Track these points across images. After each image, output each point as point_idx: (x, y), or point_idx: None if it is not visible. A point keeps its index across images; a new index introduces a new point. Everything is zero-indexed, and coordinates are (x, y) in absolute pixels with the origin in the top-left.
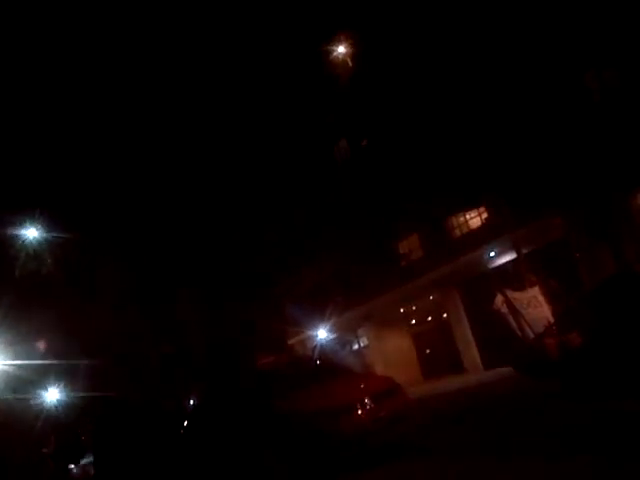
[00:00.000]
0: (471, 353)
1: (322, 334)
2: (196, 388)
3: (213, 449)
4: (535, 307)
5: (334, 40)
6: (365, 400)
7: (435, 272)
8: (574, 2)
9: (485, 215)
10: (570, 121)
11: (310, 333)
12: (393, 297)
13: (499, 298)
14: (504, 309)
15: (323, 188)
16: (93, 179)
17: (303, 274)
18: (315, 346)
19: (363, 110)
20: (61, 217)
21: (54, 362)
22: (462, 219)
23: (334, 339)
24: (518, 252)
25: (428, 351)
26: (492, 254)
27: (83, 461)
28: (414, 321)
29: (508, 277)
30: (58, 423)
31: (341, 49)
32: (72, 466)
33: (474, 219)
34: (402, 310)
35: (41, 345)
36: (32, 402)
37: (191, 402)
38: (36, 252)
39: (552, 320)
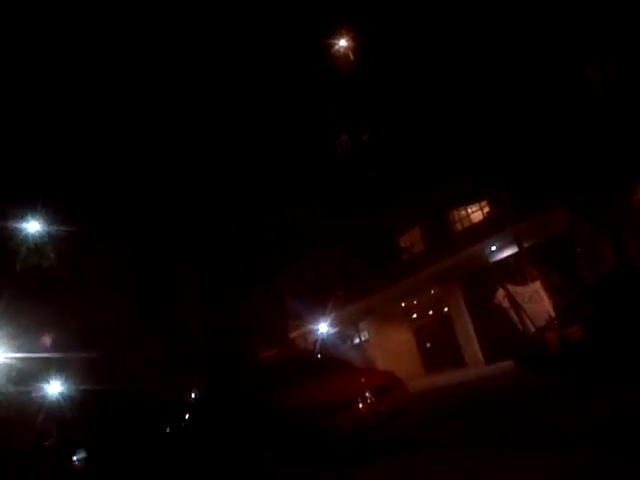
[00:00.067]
0: (472, 347)
1: (323, 328)
2: (197, 379)
3: (215, 442)
4: (536, 301)
5: (336, 33)
6: (366, 394)
7: (436, 266)
8: None
9: (487, 209)
10: (572, 113)
11: (311, 327)
12: (394, 291)
13: (500, 292)
14: (505, 303)
15: (325, 181)
16: (94, 169)
17: (304, 266)
18: (316, 340)
19: (365, 103)
20: (63, 208)
21: (56, 355)
22: (464, 213)
23: (335, 333)
24: (520, 246)
25: (429, 345)
26: (493, 248)
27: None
28: (415, 315)
29: (509, 271)
30: (60, 416)
31: (343, 42)
32: (74, 458)
33: (476, 213)
34: (403, 304)
35: (43, 338)
36: (34, 395)
37: (192, 395)
38: (37, 245)
39: (553, 314)
